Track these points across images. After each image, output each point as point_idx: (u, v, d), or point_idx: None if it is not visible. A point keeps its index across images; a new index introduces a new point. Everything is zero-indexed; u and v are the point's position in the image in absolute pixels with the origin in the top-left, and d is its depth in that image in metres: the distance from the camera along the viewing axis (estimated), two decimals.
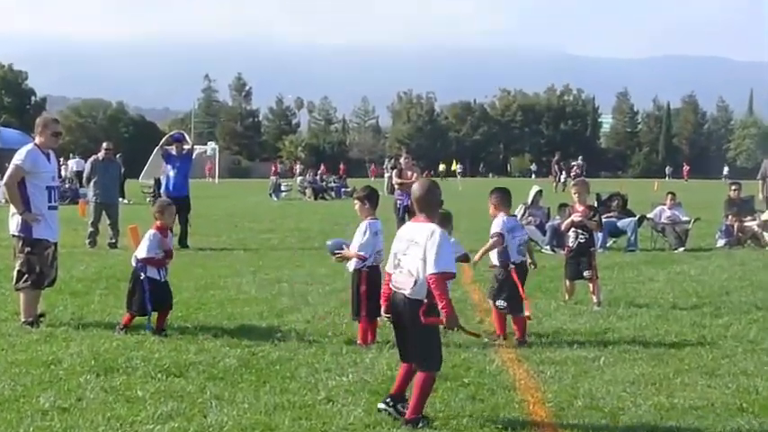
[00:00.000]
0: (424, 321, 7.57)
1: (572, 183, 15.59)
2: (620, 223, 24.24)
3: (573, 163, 74.88)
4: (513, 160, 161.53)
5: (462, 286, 15.58)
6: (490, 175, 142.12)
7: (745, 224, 24.51)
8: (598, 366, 10.11)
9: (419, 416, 7.70)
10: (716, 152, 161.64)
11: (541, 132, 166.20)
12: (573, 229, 14.57)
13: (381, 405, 8.05)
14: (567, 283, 14.70)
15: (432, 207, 7.87)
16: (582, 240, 14.50)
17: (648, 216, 25.01)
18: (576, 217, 14.55)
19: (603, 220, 23.65)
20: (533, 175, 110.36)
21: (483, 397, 8.73)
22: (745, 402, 8.58)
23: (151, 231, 12.03)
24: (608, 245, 24.03)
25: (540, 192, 24.82)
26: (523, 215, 23.76)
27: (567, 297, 14.66)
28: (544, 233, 23.47)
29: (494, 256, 11.87)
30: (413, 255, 7.67)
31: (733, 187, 26.22)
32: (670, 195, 25.51)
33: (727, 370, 9.95)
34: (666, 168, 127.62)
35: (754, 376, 9.64)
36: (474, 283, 16.03)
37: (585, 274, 14.29)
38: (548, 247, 23.08)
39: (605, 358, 10.45)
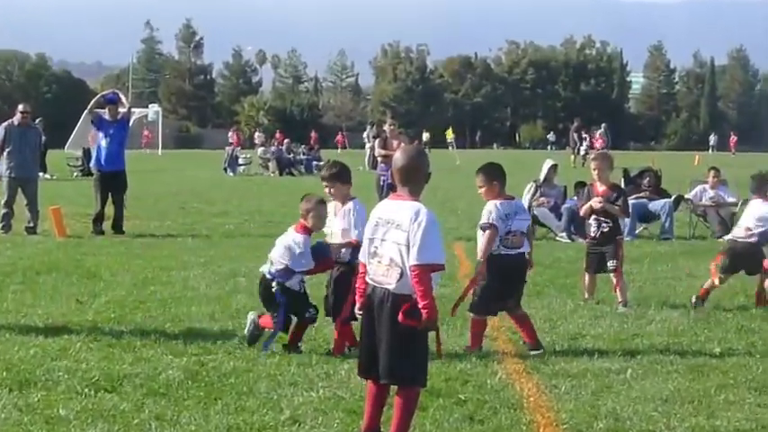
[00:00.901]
0: (401, 321, 7.53)
1: (591, 157, 15.47)
2: (652, 205, 24.30)
3: (596, 132, 74.97)
4: (522, 128, 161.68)
5: (458, 281, 15.60)
6: (495, 145, 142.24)
7: None
8: (624, 380, 10.14)
9: None
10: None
11: (557, 94, 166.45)
12: (593, 216, 14.53)
13: None
14: (587, 278, 14.73)
15: (417, 180, 7.71)
16: (605, 229, 14.44)
17: (687, 197, 25.09)
18: (595, 202, 14.45)
19: (632, 201, 23.79)
20: (551, 147, 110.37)
21: (483, 417, 8.75)
22: None
23: (299, 236, 11.22)
24: (637, 232, 24.11)
25: (554, 167, 24.84)
26: (534, 195, 23.79)
27: (586, 295, 14.70)
28: (559, 217, 23.51)
29: None
30: (393, 240, 7.59)
31: None
32: (713, 171, 25.55)
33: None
34: (710, 138, 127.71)
35: None
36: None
37: (610, 264, 14.27)
38: (564, 234, 23.13)
39: (633, 370, 10.49)
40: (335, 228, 11.24)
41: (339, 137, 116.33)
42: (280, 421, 8.51)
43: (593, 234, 14.58)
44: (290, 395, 9.33)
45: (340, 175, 11.27)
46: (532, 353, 11.20)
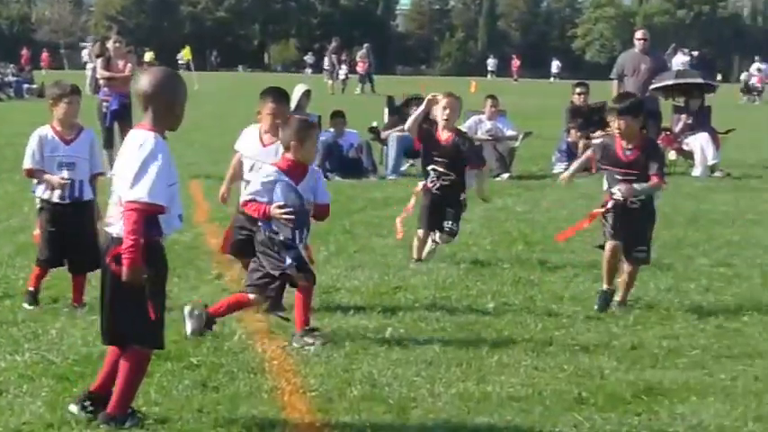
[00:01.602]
0: (112, 268, 7.42)
1: (439, 96, 14.72)
2: None
3: (357, 53, 75.37)
4: (272, 48, 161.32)
5: (195, 225, 15.54)
6: (240, 67, 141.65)
7: (594, 141, 25.26)
8: (383, 340, 10.27)
9: (125, 411, 7.61)
10: (558, 41, 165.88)
11: (313, 8, 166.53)
12: (432, 165, 14.20)
13: (73, 408, 7.86)
14: (421, 234, 14.30)
15: (158, 110, 7.57)
16: (446, 182, 14.11)
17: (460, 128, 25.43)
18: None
19: (397, 134, 24.13)
20: (310, 70, 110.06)
21: (218, 383, 8.76)
22: (586, 391, 8.87)
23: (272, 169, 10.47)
24: (403, 169, 24.39)
25: (307, 92, 24.70)
26: None
27: (415, 255, 14.32)
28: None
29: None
30: (119, 174, 7.51)
31: (578, 90, 26.91)
32: (491, 100, 25.86)
33: (563, 345, 10.29)
34: (488, 62, 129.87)
35: (599, 353, 10.02)
36: (212, 223, 16.00)
37: (447, 225, 14.04)
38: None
39: (393, 329, 10.65)
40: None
41: (26, 52, 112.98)
42: None
43: (430, 185, 14.21)
44: None
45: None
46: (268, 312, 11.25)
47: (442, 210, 14.00)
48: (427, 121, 14.83)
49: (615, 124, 11.88)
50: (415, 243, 14.20)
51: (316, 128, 10.99)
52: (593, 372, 9.41)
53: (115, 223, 7.51)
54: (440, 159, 14.03)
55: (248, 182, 10.99)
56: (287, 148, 10.20)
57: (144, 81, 7.62)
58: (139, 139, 7.46)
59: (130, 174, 7.32)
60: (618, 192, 11.60)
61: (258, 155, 11.29)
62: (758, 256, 14.92)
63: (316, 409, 8.29)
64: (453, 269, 13.59)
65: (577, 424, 8.07)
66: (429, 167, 14.14)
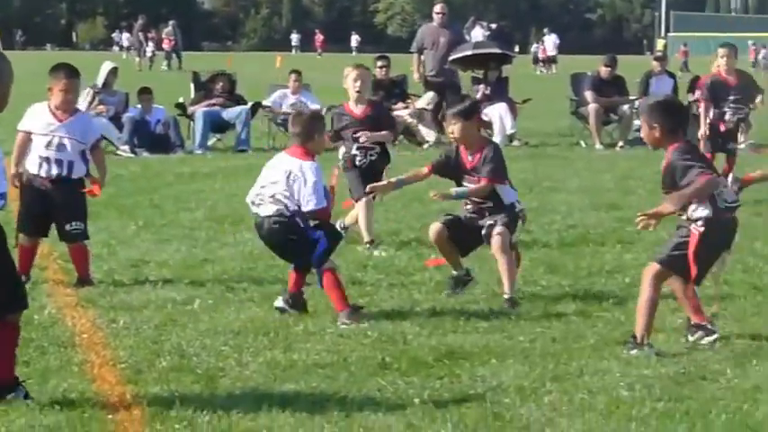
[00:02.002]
0: None
1: (350, 69, 14.03)
2: (227, 114, 24.48)
3: (163, 30, 74.92)
4: (80, 27, 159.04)
5: None
6: (48, 46, 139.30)
7: (396, 114, 25.41)
8: (191, 311, 10.27)
9: None
10: (360, 16, 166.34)
11: None
12: (356, 143, 13.54)
13: None
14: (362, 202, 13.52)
15: None
16: (373, 157, 13.61)
17: (265, 104, 25.39)
18: (363, 135, 13.52)
19: (204, 109, 24.03)
20: (127, 51, 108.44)
21: (29, 358, 8.64)
22: (389, 356, 8.94)
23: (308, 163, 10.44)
24: (210, 143, 24.30)
25: (114, 69, 24.57)
26: (92, 102, 23.48)
27: (369, 237, 13.56)
28: (121, 128, 23.33)
29: None
30: None
31: (379, 64, 26.97)
32: (294, 75, 25.93)
33: (367, 311, 10.33)
34: (292, 37, 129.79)
35: (402, 318, 10.09)
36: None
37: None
38: (126, 147, 22.96)
39: (201, 300, 10.64)
40: None
41: None
42: None
43: (358, 163, 13.62)
44: None
45: None
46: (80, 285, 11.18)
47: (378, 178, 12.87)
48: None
49: (449, 129, 11.40)
50: (362, 219, 13.45)
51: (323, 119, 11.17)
52: (397, 337, 9.48)
53: None
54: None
55: (46, 158, 11.02)
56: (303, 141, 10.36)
57: None
58: None
59: None
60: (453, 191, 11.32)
61: (56, 130, 11.21)
62: (555, 222, 15.18)
63: (125, 380, 8.23)
64: (259, 241, 13.51)
65: (381, 388, 8.12)
66: (353, 149, 13.51)
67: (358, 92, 13.56)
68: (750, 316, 10.19)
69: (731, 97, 17.61)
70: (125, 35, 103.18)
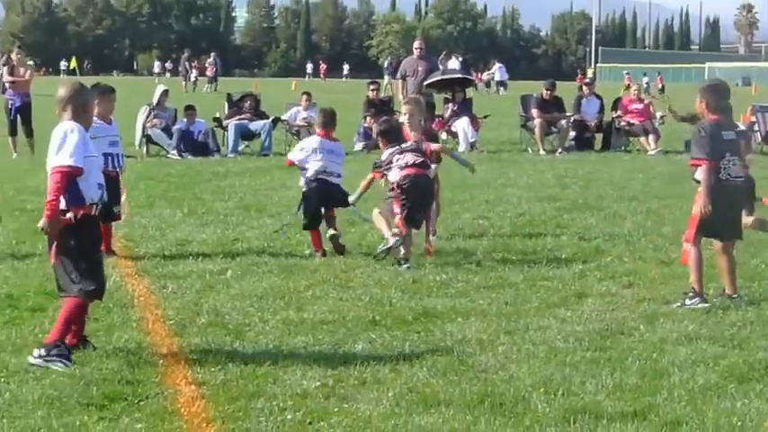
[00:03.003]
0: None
1: (404, 101, 13.34)
2: (253, 126, 24.43)
3: (206, 60, 74.65)
4: (140, 57, 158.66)
5: None
6: (115, 72, 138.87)
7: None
8: (225, 280, 10.22)
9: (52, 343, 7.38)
10: (358, 50, 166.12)
11: (171, 27, 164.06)
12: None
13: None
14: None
15: (72, 108, 7.54)
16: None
17: (283, 118, 25.35)
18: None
19: (235, 122, 23.94)
20: (168, 74, 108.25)
21: (98, 316, 8.58)
22: (378, 315, 8.92)
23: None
24: (240, 149, 24.21)
25: (166, 91, 24.53)
26: (148, 117, 23.43)
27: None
28: (171, 136, 23.27)
29: None
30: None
31: (371, 87, 27.12)
32: (305, 95, 25.96)
33: (361, 282, 10.31)
34: (307, 66, 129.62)
35: (388, 287, 10.03)
36: None
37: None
38: (174, 152, 22.90)
39: (232, 271, 10.58)
40: None
41: None
42: None
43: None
44: None
45: None
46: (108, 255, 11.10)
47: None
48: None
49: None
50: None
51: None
52: (384, 300, 9.45)
53: None
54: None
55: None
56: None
57: (61, 90, 7.65)
58: (64, 128, 7.47)
59: (55, 146, 7.39)
60: None
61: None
62: (508, 211, 15.10)
63: (173, 334, 8.22)
64: (277, 225, 13.47)
65: (371, 341, 8.12)
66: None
67: (409, 121, 11.99)
68: (659, 284, 10.16)
69: None
70: (161, 63, 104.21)
